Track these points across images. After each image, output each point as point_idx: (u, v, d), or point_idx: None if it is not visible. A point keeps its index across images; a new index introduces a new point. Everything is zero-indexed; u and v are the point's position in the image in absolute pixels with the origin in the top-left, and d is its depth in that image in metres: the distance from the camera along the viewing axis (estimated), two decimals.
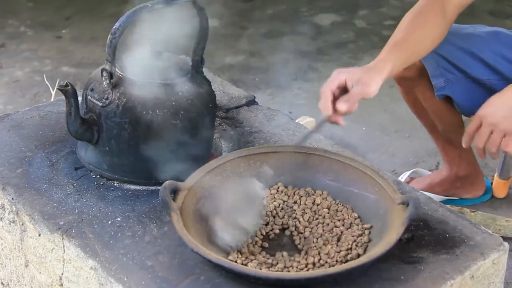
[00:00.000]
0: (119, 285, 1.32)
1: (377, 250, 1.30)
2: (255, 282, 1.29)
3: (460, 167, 2.27)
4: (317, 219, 1.47)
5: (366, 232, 1.42)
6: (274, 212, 1.49)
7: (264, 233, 1.45)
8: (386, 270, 1.34)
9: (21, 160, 1.66)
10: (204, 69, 1.65)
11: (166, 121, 1.53)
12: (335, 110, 1.50)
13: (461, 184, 2.30)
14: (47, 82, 2.85)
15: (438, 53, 1.92)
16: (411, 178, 2.43)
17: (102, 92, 1.55)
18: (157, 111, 1.53)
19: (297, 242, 1.43)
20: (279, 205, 1.51)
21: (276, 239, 1.45)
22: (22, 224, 1.54)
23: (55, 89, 2.50)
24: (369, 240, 1.40)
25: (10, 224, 1.58)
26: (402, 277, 1.33)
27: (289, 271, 1.34)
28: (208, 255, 1.29)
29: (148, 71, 1.56)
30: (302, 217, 1.48)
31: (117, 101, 1.53)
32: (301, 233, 1.44)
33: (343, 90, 1.52)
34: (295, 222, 1.47)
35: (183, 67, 1.61)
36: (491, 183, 2.38)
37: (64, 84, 1.52)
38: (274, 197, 1.52)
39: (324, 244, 1.40)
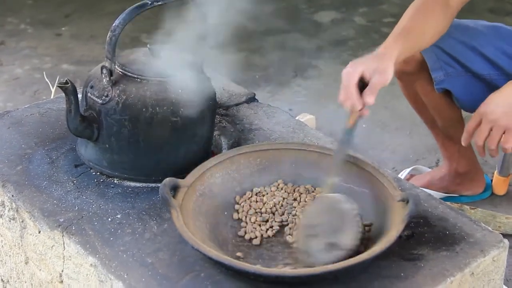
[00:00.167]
0: (119, 282, 1.33)
1: (377, 247, 1.30)
2: (255, 279, 1.29)
3: (460, 163, 2.27)
4: None
5: (366, 229, 1.42)
6: (274, 209, 1.49)
7: (264, 230, 1.45)
8: (386, 267, 1.34)
9: (21, 157, 1.66)
10: (204, 66, 1.65)
11: (166, 118, 1.53)
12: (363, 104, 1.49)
13: (461, 180, 2.30)
14: (47, 80, 2.85)
15: (439, 46, 1.93)
16: (411, 175, 2.43)
17: (102, 90, 1.55)
18: (157, 108, 1.53)
19: (290, 238, 1.43)
20: (279, 202, 1.51)
21: (276, 235, 1.45)
22: (22, 221, 1.54)
23: (55, 86, 2.50)
24: (369, 237, 1.40)
25: (10, 221, 1.58)
26: (402, 274, 1.33)
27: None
28: (208, 252, 1.29)
29: (148, 68, 1.56)
30: (302, 214, 1.48)
31: (117, 98, 1.53)
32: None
33: (360, 81, 1.52)
34: (294, 219, 1.47)
35: (183, 64, 1.61)
36: (491, 180, 2.38)
37: (64, 81, 1.52)
38: (274, 194, 1.52)
39: None
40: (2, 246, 1.68)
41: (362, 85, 1.49)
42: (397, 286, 1.30)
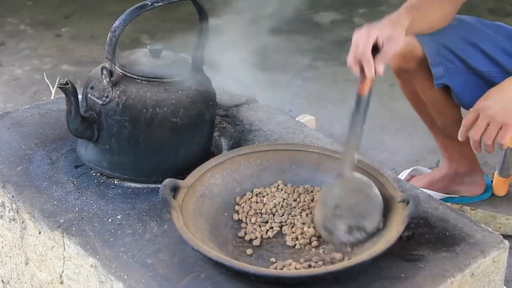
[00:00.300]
0: (119, 282, 1.33)
1: (377, 248, 1.30)
2: (255, 280, 1.29)
3: (460, 163, 2.27)
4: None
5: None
6: (274, 210, 1.49)
7: (265, 231, 1.45)
8: (386, 268, 1.34)
9: (21, 158, 1.66)
10: (204, 67, 1.65)
11: (166, 119, 1.53)
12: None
13: (461, 181, 2.30)
14: (47, 80, 2.85)
15: (440, 41, 1.93)
16: (411, 176, 2.43)
17: (102, 90, 1.55)
18: (157, 109, 1.53)
19: (290, 239, 1.43)
20: (279, 203, 1.51)
21: (276, 236, 1.45)
22: (22, 222, 1.54)
23: (55, 87, 2.50)
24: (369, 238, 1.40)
25: (10, 222, 1.58)
26: (402, 275, 1.33)
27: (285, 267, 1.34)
28: (209, 253, 1.29)
29: (148, 69, 1.56)
30: (300, 215, 1.48)
31: (117, 99, 1.53)
32: (299, 230, 1.44)
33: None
34: (293, 219, 1.47)
35: (183, 65, 1.61)
36: (491, 181, 2.38)
37: (64, 82, 1.52)
38: (274, 195, 1.52)
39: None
40: (2, 247, 1.68)
41: (372, 49, 1.46)
42: (397, 287, 1.30)
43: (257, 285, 1.29)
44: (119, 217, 1.48)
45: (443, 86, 2.00)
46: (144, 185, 1.57)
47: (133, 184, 1.58)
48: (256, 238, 1.43)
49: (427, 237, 1.42)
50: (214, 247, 1.36)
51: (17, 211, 1.54)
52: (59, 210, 1.50)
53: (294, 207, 1.50)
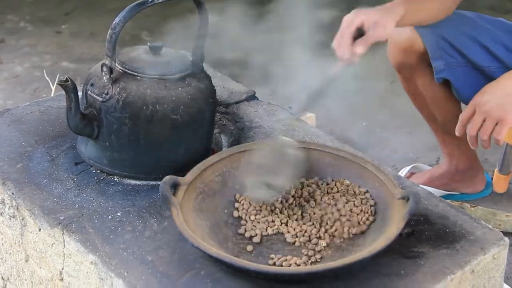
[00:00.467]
0: (119, 279, 1.33)
1: (377, 244, 1.30)
2: (255, 276, 1.29)
3: (460, 160, 2.27)
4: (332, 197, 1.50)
5: (372, 209, 1.45)
6: (274, 207, 1.49)
7: (265, 228, 1.45)
8: (387, 265, 1.34)
9: (21, 155, 1.66)
10: (204, 64, 1.65)
11: (166, 116, 1.53)
12: (352, 53, 1.53)
13: (461, 178, 2.30)
14: (47, 77, 2.84)
15: (441, 35, 1.93)
16: (411, 173, 2.43)
17: (102, 87, 1.55)
18: (157, 106, 1.53)
19: (290, 236, 1.43)
20: (279, 199, 1.50)
21: (276, 233, 1.45)
22: (22, 219, 1.54)
23: (55, 84, 2.50)
24: (374, 219, 1.43)
25: (10, 219, 1.58)
26: (402, 272, 1.33)
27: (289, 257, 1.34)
28: (208, 250, 1.30)
29: (148, 66, 1.56)
30: (300, 211, 1.48)
31: (117, 96, 1.53)
32: (299, 227, 1.45)
33: (359, 30, 1.54)
34: (293, 216, 1.47)
35: (183, 62, 1.61)
36: (492, 178, 2.38)
37: (64, 79, 1.52)
38: None
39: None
40: (2, 244, 1.68)
41: (360, 34, 1.50)
42: (397, 283, 1.30)
43: (257, 282, 1.29)
44: (119, 214, 1.48)
45: (443, 80, 2.00)
46: (144, 182, 1.57)
47: (133, 181, 1.58)
48: (256, 235, 1.43)
49: (427, 234, 1.42)
50: (214, 244, 1.36)
51: (17, 208, 1.54)
52: (59, 207, 1.50)
53: (293, 204, 1.50)
